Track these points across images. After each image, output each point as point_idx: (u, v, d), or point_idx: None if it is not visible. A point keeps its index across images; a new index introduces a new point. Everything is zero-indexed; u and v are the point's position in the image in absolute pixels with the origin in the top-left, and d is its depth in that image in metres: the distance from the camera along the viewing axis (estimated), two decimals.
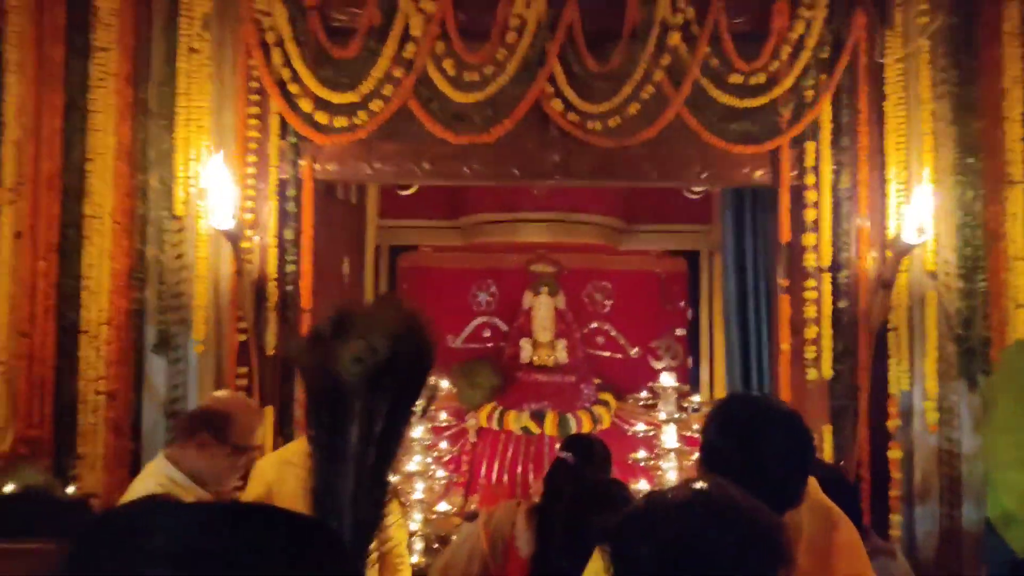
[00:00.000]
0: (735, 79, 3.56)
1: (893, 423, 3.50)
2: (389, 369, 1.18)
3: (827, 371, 3.53)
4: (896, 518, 3.45)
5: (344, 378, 1.17)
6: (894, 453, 3.47)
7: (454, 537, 3.77)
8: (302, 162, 3.67)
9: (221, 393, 2.53)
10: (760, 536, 0.99)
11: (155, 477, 2.08)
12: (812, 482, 1.64)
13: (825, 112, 3.59)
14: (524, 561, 2.23)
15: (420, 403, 1.24)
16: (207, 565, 0.59)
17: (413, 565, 3.41)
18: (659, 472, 4.07)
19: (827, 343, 3.54)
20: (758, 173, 3.69)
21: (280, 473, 2.63)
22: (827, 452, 3.51)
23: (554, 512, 2.32)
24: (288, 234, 3.66)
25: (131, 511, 1.27)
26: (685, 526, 0.99)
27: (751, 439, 1.45)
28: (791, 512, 1.47)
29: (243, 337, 3.59)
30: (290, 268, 3.66)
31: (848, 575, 1.56)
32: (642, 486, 4.01)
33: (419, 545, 3.72)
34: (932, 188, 3.42)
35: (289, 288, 3.66)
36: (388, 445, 1.18)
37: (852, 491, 2.24)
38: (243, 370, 3.58)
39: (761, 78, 3.56)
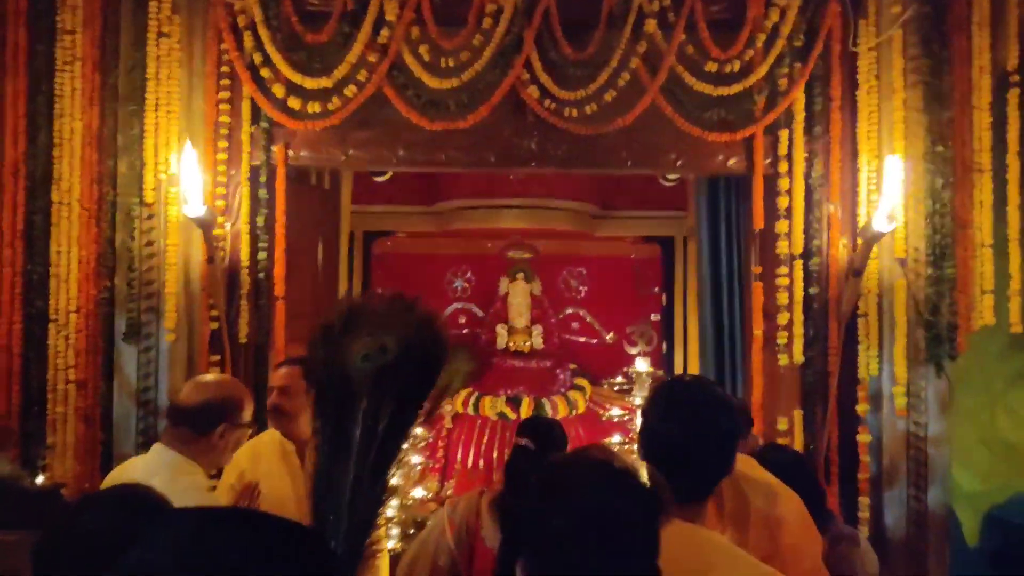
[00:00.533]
0: (710, 67, 3.56)
1: (862, 407, 3.55)
2: (397, 369, 1.16)
3: (798, 356, 3.57)
4: (865, 501, 3.51)
5: (351, 374, 1.16)
6: (863, 437, 3.52)
7: (429, 522, 3.78)
8: (274, 148, 3.62)
9: (209, 378, 2.49)
10: (642, 491, 1.15)
11: (163, 469, 2.03)
12: (750, 460, 1.78)
13: (798, 100, 3.60)
14: (492, 552, 2.18)
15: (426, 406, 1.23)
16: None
17: (389, 550, 3.42)
18: (634, 456, 4.10)
19: (798, 329, 3.58)
20: (732, 161, 3.70)
21: (253, 463, 2.62)
22: (797, 436, 3.56)
23: (520, 502, 2.22)
24: (260, 221, 3.61)
25: (113, 514, 1.25)
26: (585, 493, 1.13)
27: (697, 423, 1.51)
28: (733, 488, 1.60)
29: (215, 325, 3.55)
30: (262, 255, 3.61)
31: (791, 545, 1.59)
32: None
33: (395, 531, 3.72)
34: (902, 176, 3.46)
35: (261, 276, 3.62)
36: (390, 444, 1.17)
37: (811, 475, 2.29)
38: (215, 358, 3.54)
39: (736, 66, 3.57)
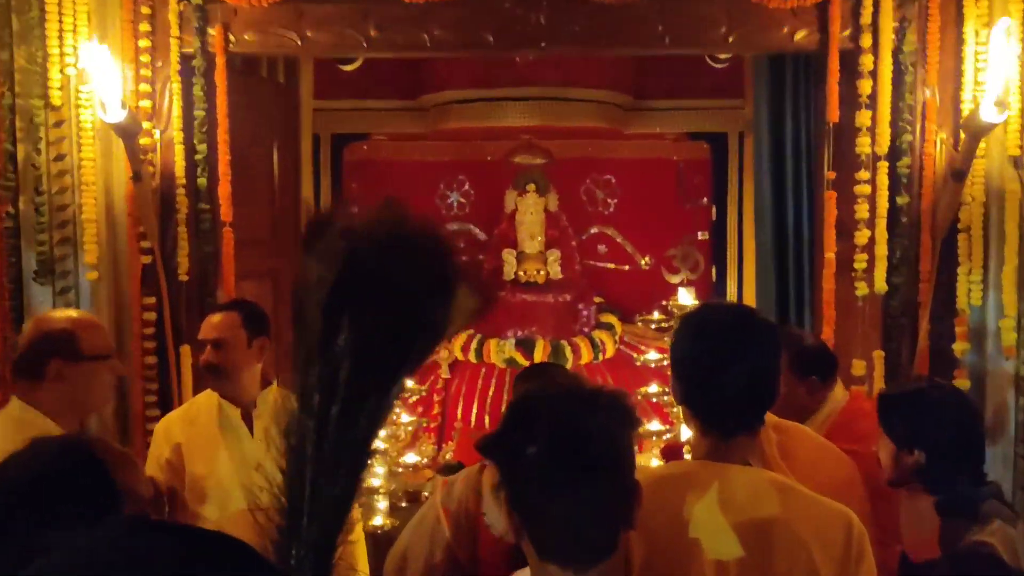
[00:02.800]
0: None
1: (960, 346, 3.56)
2: (338, 303, 1.15)
3: (881, 284, 3.57)
4: None
5: (307, 312, 1.17)
6: (961, 382, 3.52)
7: (424, 493, 3.84)
8: (211, 31, 3.60)
9: (49, 315, 2.56)
10: (616, 409, 1.36)
11: (16, 429, 2.06)
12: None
13: None
14: (496, 540, 2.17)
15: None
16: None
17: (377, 527, 3.51)
18: (674, 409, 4.12)
19: (881, 250, 3.57)
20: (800, 34, 3.64)
21: (187, 434, 2.67)
22: (878, 383, 3.58)
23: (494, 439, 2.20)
24: (197, 126, 3.61)
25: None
26: (559, 416, 1.35)
27: (741, 351, 1.65)
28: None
29: (147, 259, 3.59)
30: (202, 170, 3.62)
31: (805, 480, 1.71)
32: (654, 427, 4.07)
33: (383, 504, 3.79)
34: (1019, 51, 3.37)
35: (202, 195, 3.63)
36: (361, 396, 1.17)
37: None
38: (149, 300, 3.59)
39: None
